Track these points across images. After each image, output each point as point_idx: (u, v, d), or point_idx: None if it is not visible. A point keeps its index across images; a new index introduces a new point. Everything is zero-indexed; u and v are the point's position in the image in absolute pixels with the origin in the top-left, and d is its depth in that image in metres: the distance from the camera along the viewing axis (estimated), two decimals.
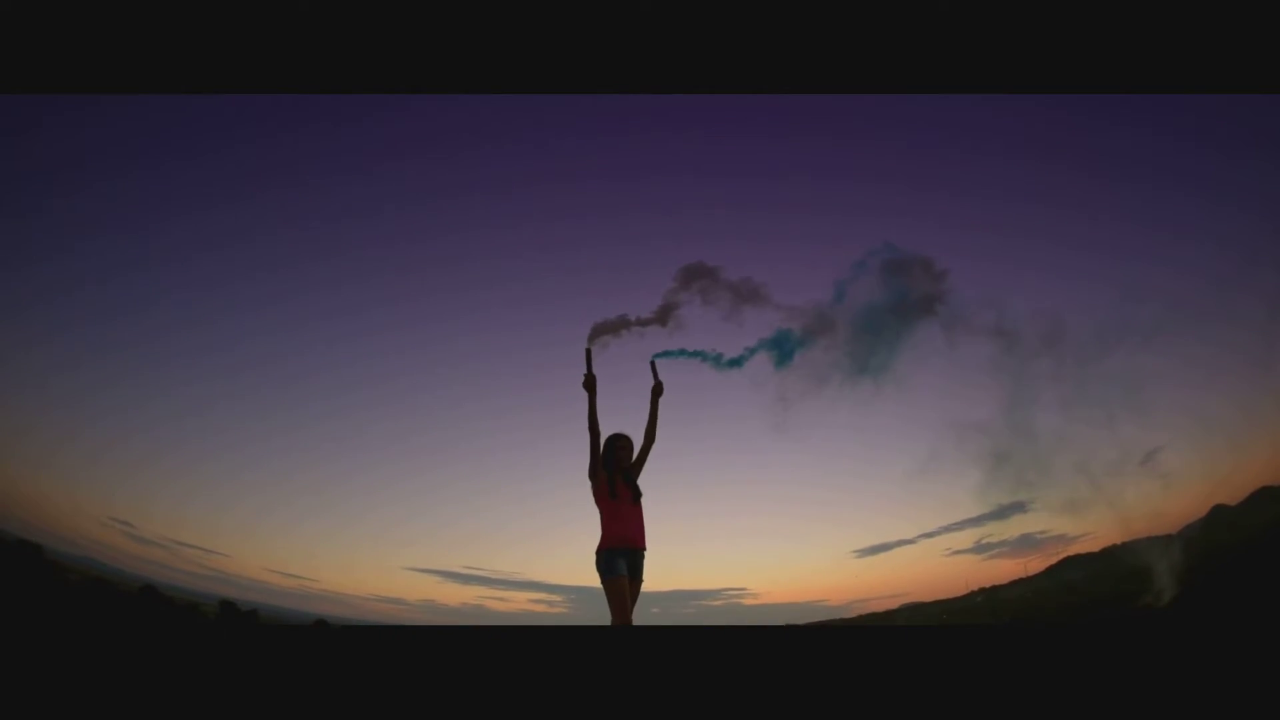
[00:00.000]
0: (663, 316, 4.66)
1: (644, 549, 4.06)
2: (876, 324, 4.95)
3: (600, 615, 3.84)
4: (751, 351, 4.76)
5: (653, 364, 4.38)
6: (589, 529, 4.08)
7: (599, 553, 3.97)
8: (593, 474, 4.14)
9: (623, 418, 4.27)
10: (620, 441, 4.20)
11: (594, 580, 3.91)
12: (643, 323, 4.60)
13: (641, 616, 3.89)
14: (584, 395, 4.18)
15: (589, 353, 4.32)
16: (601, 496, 4.09)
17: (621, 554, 3.94)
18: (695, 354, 4.59)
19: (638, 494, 4.13)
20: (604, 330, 4.52)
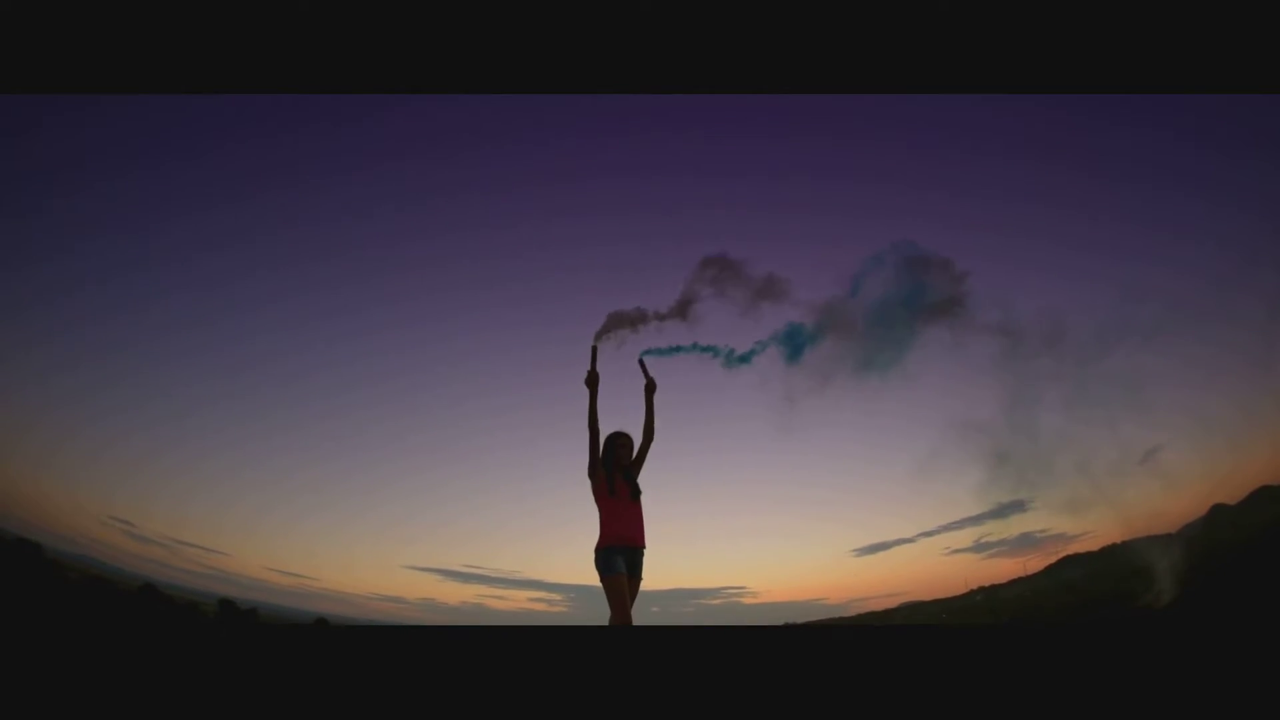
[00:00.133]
0: (682, 310, 4.64)
1: (643, 547, 4.05)
2: (891, 319, 4.92)
3: (600, 614, 3.84)
4: (763, 345, 4.72)
5: (641, 362, 4.38)
6: (589, 528, 4.09)
7: (598, 550, 3.97)
8: (592, 472, 4.14)
9: (622, 417, 4.28)
10: (620, 440, 4.21)
11: (594, 579, 3.91)
12: (661, 316, 4.58)
13: (641, 615, 3.89)
14: (585, 392, 4.19)
15: (595, 350, 4.32)
16: (601, 494, 4.09)
17: (620, 552, 3.94)
18: (682, 349, 4.58)
19: (637, 492, 4.13)
20: (622, 323, 4.48)
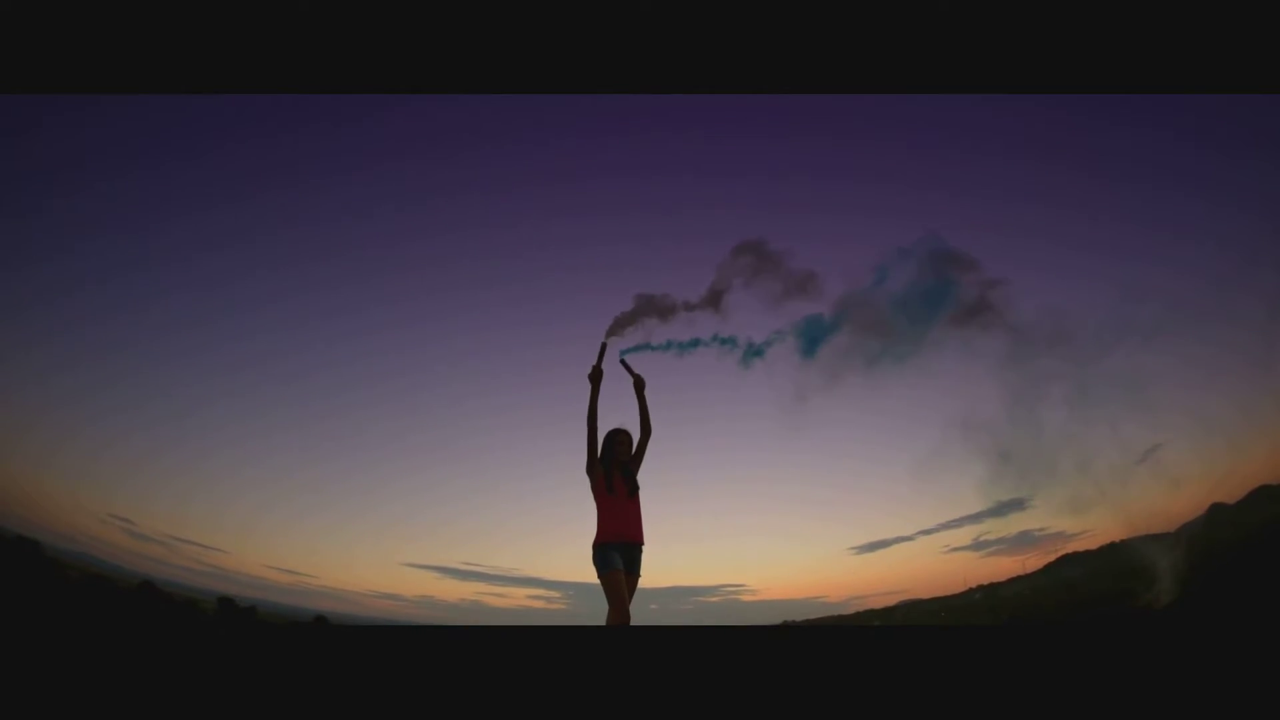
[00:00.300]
0: (714, 300, 4.61)
1: (641, 544, 4.04)
2: (916, 312, 4.89)
3: (599, 611, 3.84)
4: (780, 336, 4.69)
5: (624, 362, 4.38)
6: (587, 525, 4.08)
7: (595, 547, 3.96)
8: (590, 468, 4.14)
9: (622, 415, 4.29)
10: (619, 437, 4.21)
11: (592, 576, 3.91)
12: (690, 306, 4.56)
13: (639, 613, 3.89)
14: (587, 389, 4.20)
15: (604, 346, 4.34)
16: (599, 491, 4.09)
17: (617, 548, 3.94)
18: (701, 343, 4.57)
19: (634, 488, 4.13)
20: (650, 311, 4.45)
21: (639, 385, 4.34)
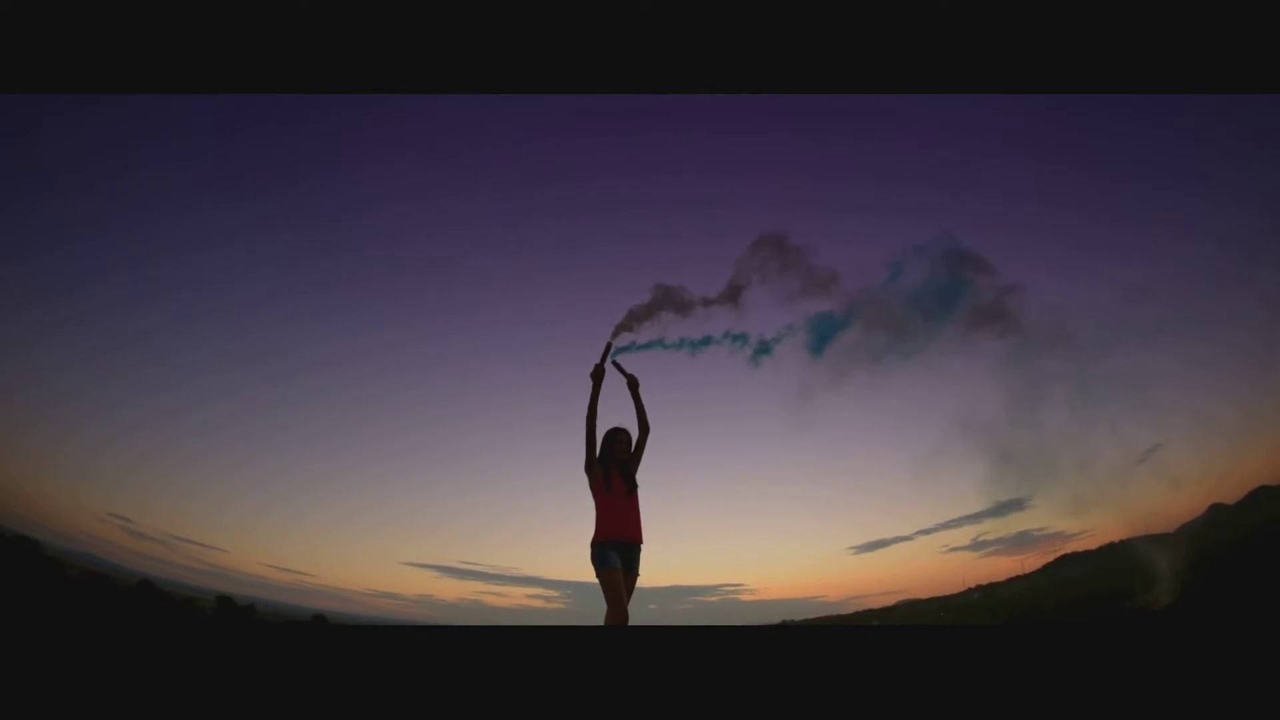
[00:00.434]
0: (733, 295, 4.59)
1: (640, 543, 4.04)
2: (927, 308, 4.87)
3: (597, 610, 3.84)
4: (791, 332, 4.68)
5: (615, 363, 4.38)
6: (587, 524, 4.09)
7: (593, 546, 3.96)
8: (588, 467, 4.15)
9: (622, 415, 4.29)
10: (618, 435, 4.21)
11: (591, 575, 3.90)
12: (708, 302, 4.54)
13: (638, 612, 3.89)
14: (587, 388, 4.20)
15: (609, 345, 4.34)
16: (597, 490, 4.09)
17: (615, 547, 3.94)
18: (713, 340, 4.55)
19: (633, 487, 4.13)
20: (667, 304, 4.42)
21: (632, 385, 4.34)
